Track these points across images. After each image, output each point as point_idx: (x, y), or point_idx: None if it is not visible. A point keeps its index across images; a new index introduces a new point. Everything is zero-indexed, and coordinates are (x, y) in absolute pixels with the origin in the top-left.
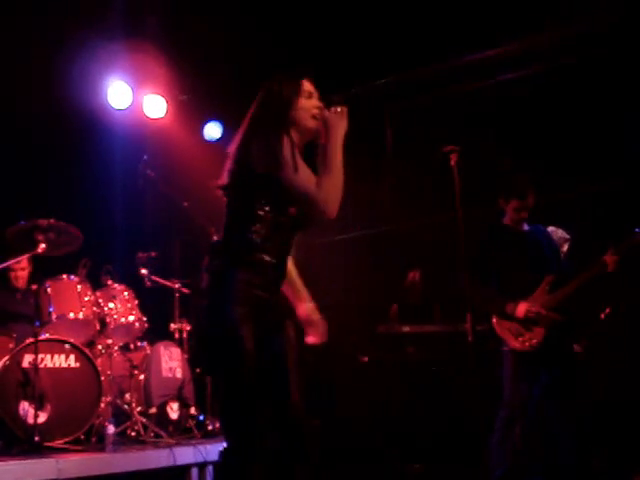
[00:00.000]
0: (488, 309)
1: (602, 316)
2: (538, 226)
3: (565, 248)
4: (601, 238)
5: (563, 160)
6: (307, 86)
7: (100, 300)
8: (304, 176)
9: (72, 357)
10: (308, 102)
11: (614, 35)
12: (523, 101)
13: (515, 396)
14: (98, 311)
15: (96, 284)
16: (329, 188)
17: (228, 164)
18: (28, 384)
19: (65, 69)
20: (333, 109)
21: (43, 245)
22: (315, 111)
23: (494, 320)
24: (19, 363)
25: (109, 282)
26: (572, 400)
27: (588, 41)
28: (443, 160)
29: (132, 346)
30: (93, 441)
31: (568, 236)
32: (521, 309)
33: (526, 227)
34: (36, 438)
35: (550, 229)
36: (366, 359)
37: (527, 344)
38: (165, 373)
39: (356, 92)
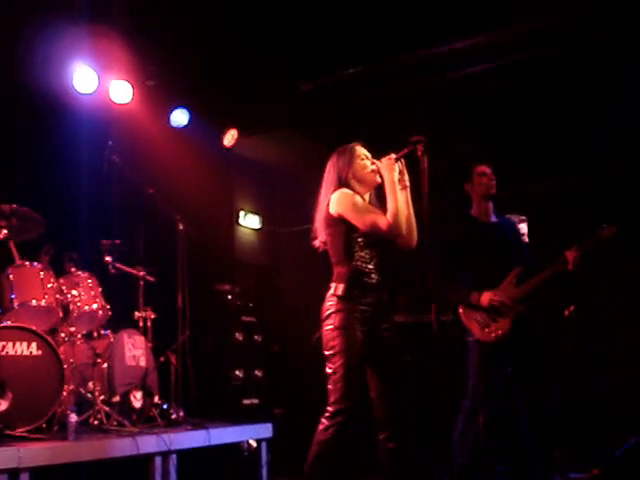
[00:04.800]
0: (453, 299)
1: (566, 313)
2: (506, 218)
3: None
4: (568, 232)
5: (531, 153)
6: (360, 151)
7: (63, 287)
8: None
9: (34, 345)
10: (364, 162)
11: (582, 30)
12: (492, 94)
13: (479, 386)
14: (61, 298)
15: (59, 271)
16: (393, 215)
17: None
18: None
19: (30, 52)
20: (384, 159)
21: (5, 231)
22: (369, 167)
23: (461, 310)
24: None
25: (72, 269)
26: (535, 390)
27: (557, 35)
28: (410, 150)
29: (95, 334)
30: (55, 430)
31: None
32: (485, 298)
33: (494, 219)
34: None
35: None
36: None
37: (493, 335)
38: (129, 361)
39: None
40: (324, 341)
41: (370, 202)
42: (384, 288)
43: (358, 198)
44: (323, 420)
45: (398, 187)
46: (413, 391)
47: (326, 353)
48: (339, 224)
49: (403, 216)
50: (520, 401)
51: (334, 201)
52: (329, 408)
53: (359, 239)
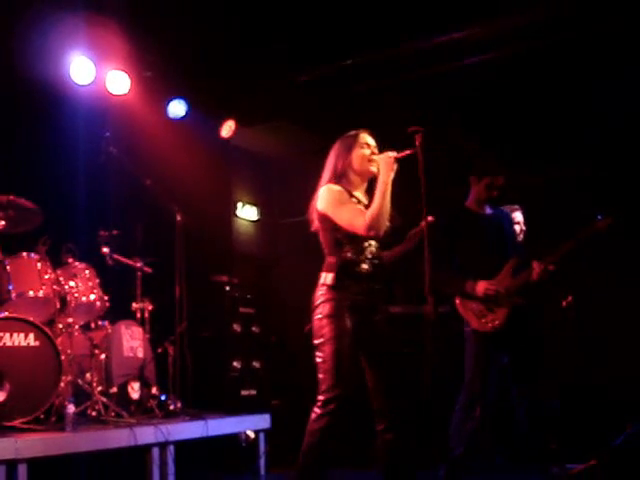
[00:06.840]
0: (448, 289)
1: (564, 304)
2: (500, 209)
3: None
4: (564, 223)
5: (527, 144)
6: (363, 139)
7: (61, 278)
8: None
9: (32, 336)
10: (363, 151)
11: (580, 20)
12: (490, 84)
13: (476, 377)
14: (58, 289)
15: (57, 262)
16: (372, 216)
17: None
18: None
19: (27, 43)
20: (383, 155)
21: (2, 222)
22: (370, 158)
23: (457, 301)
24: None
25: (70, 260)
26: (533, 382)
27: (555, 25)
28: (408, 141)
29: (93, 325)
30: (53, 421)
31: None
32: (480, 287)
33: (488, 210)
34: None
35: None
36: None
37: (489, 325)
38: (126, 352)
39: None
40: (314, 330)
41: (366, 192)
42: (377, 278)
43: (342, 194)
44: (315, 409)
45: (389, 189)
46: (411, 383)
47: (315, 342)
48: (325, 220)
49: (384, 218)
50: (516, 392)
51: (319, 197)
52: (320, 397)
53: (347, 233)
